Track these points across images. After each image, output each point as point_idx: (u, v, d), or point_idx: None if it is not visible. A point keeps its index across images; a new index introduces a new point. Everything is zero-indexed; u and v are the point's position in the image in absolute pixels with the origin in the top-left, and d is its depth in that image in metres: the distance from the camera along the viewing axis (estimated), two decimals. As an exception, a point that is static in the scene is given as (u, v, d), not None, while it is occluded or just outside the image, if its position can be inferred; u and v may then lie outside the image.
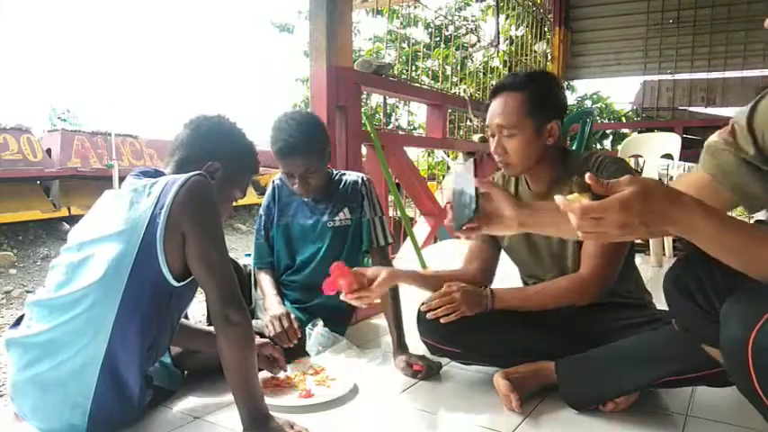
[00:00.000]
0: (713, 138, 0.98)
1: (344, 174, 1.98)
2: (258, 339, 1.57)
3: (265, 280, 1.92)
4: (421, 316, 1.56)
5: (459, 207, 1.17)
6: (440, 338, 1.57)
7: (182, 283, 1.24)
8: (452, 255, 2.35)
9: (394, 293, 1.82)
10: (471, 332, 1.51)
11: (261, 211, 2.00)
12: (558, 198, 0.87)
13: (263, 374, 1.55)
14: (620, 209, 0.81)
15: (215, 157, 1.36)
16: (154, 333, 1.26)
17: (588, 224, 0.84)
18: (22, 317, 1.28)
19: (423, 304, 1.51)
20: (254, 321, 1.47)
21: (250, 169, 1.47)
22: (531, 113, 1.41)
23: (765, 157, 0.91)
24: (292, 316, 1.74)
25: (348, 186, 1.94)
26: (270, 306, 1.78)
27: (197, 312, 1.97)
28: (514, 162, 1.46)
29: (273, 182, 2.00)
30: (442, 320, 1.45)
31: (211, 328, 1.26)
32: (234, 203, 1.48)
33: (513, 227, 1.12)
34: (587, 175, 0.83)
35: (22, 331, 1.22)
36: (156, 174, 1.32)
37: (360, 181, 1.95)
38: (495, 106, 1.46)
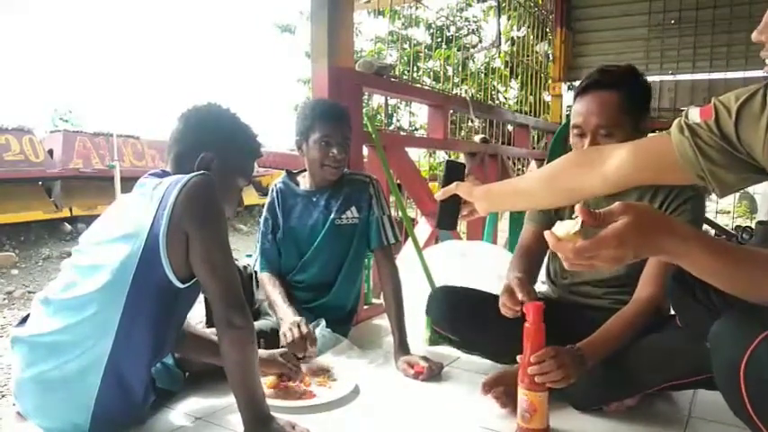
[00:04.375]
0: (694, 118, 0.94)
1: (351, 173, 1.99)
2: (277, 350, 1.56)
3: (274, 290, 1.86)
4: (431, 304, 1.58)
5: (443, 214, 1.40)
6: (448, 327, 1.64)
7: (186, 285, 1.24)
8: (453, 255, 2.35)
9: (396, 294, 1.82)
10: (478, 325, 1.56)
11: (266, 215, 1.97)
12: (549, 235, 0.87)
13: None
14: (615, 245, 0.80)
15: (207, 147, 1.31)
16: (161, 334, 1.26)
17: (581, 261, 0.83)
18: (28, 315, 1.28)
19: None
20: (256, 323, 1.47)
21: (249, 152, 1.40)
22: (629, 111, 1.36)
23: (742, 152, 0.90)
24: (310, 327, 1.69)
25: (355, 185, 1.95)
26: (284, 316, 1.72)
27: (196, 314, 1.96)
28: None
29: (276, 185, 1.99)
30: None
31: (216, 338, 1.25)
32: (240, 192, 1.42)
33: (481, 211, 1.31)
34: (577, 208, 0.82)
35: (29, 330, 1.22)
36: (164, 174, 1.30)
37: (367, 180, 1.96)
38: (589, 105, 1.38)
